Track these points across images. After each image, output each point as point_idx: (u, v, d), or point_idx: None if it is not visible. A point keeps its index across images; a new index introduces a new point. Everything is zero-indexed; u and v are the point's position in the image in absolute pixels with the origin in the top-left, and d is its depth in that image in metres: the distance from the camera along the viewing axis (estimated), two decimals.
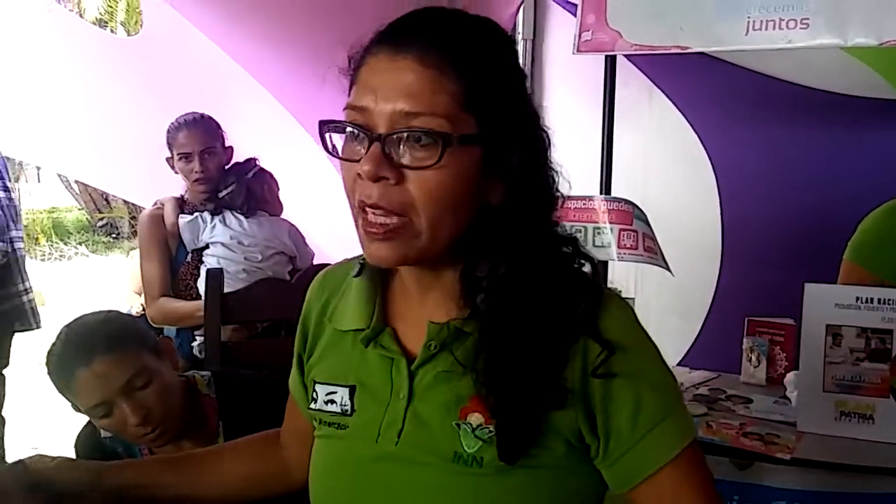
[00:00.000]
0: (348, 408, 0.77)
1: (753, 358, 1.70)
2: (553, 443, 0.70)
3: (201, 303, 1.85)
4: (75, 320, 1.22)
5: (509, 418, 0.69)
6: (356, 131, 0.68)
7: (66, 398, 1.17)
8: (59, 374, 1.15)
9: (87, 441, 1.28)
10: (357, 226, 0.70)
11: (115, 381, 1.13)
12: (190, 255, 2.05)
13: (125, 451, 1.28)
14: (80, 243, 7.48)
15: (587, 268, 0.75)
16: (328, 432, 0.79)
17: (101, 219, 7.69)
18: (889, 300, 1.39)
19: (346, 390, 0.78)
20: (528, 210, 0.71)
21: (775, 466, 1.35)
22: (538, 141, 0.72)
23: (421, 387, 0.74)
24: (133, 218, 6.21)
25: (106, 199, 7.45)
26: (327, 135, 0.71)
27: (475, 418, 0.71)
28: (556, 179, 0.73)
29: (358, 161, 0.66)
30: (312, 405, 0.81)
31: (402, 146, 0.66)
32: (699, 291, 2.26)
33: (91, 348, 1.13)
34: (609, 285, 0.80)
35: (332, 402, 0.78)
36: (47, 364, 1.17)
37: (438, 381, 0.73)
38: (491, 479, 0.70)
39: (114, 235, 7.62)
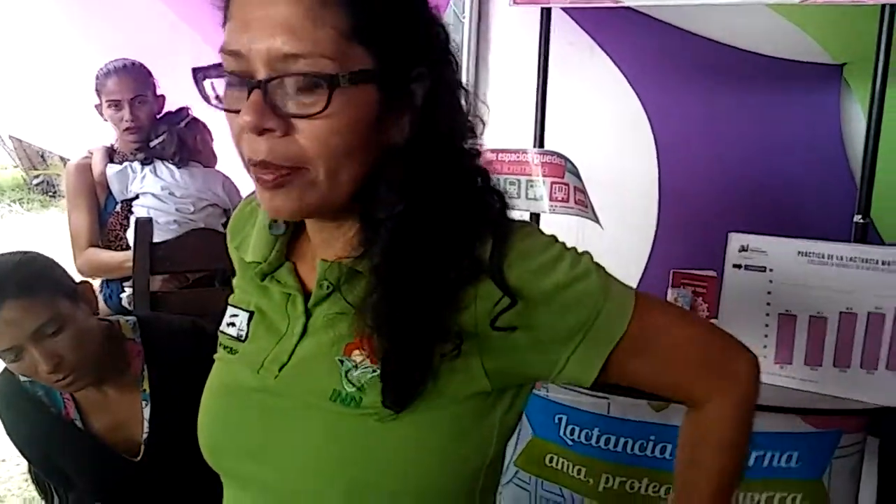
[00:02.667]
0: (244, 334, 0.76)
1: None
2: (445, 390, 0.66)
3: (130, 253, 1.82)
4: None
5: (394, 361, 0.65)
6: (233, 79, 0.61)
7: None
8: None
9: (7, 385, 1.26)
10: (250, 175, 0.64)
11: (25, 327, 1.11)
12: (119, 205, 2.00)
13: (46, 395, 1.26)
14: (13, 201, 7.23)
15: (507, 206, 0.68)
16: (222, 355, 0.78)
17: (37, 176, 7.43)
18: (808, 252, 1.44)
19: (246, 316, 0.76)
20: (436, 146, 0.65)
21: None
22: (444, 66, 0.66)
23: (315, 326, 0.71)
24: None
25: (42, 157, 7.18)
26: (206, 82, 0.63)
27: (358, 356, 0.67)
28: (469, 106, 0.68)
29: (239, 112, 0.60)
30: (221, 326, 0.79)
31: (284, 93, 0.59)
32: (636, 248, 2.31)
33: (1, 292, 1.11)
34: None
35: (233, 325, 0.77)
36: None
37: (332, 321, 0.69)
38: (370, 422, 0.66)
39: (50, 193, 7.38)
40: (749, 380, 0.77)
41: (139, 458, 1.28)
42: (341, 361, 0.68)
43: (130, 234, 1.91)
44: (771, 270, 1.47)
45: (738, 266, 1.50)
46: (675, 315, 0.77)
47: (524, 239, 0.68)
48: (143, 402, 1.27)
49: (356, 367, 0.67)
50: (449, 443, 0.68)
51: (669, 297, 1.78)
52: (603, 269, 0.71)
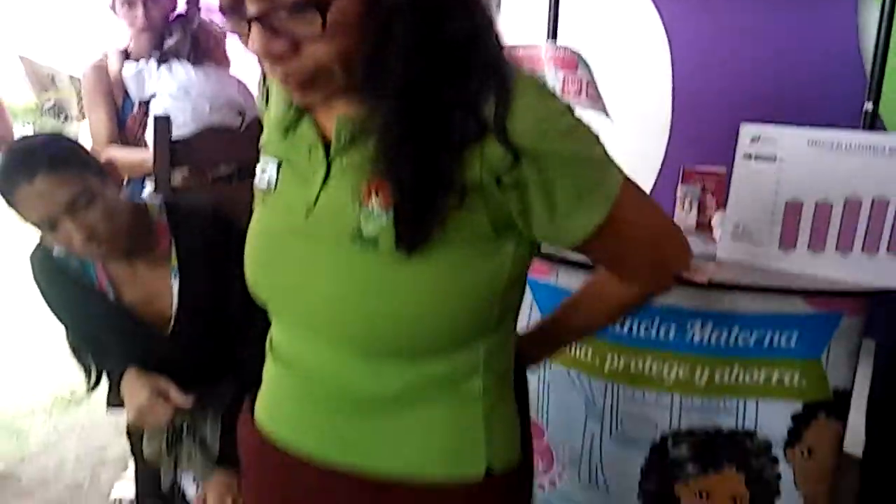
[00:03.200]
0: (274, 182, 0.81)
1: (686, 204, 1.79)
2: (452, 234, 0.71)
3: (150, 150, 1.86)
4: (20, 139, 1.24)
5: (405, 209, 0.70)
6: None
7: (15, 212, 1.20)
8: (4, 189, 1.18)
9: (42, 257, 1.32)
10: None
11: (58, 199, 1.16)
12: (136, 106, 2.03)
13: (79, 268, 1.32)
14: (26, 123, 7.27)
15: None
16: (258, 201, 0.83)
17: (48, 100, 7.42)
18: (817, 141, 1.47)
19: (275, 165, 0.81)
20: (436, 11, 0.67)
21: (693, 290, 1.46)
22: None
23: (335, 174, 0.75)
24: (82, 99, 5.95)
25: (52, 79, 7.16)
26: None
27: (376, 202, 0.72)
28: None
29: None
30: (255, 180, 0.84)
31: (280, 20, 0.64)
32: (651, 147, 2.32)
33: (33, 166, 1.15)
34: None
35: (264, 171, 0.82)
36: None
37: (351, 169, 0.74)
38: (387, 263, 0.71)
39: (62, 117, 7.39)
40: (668, 284, 0.88)
41: (169, 330, 1.35)
42: (359, 207, 0.72)
43: (149, 135, 1.95)
44: (780, 160, 1.49)
45: (748, 156, 1.53)
46: (648, 207, 0.80)
47: (531, 99, 0.70)
48: (172, 277, 1.33)
49: (372, 212, 0.72)
50: (459, 277, 0.73)
51: (679, 194, 1.82)
52: (604, 147, 0.75)
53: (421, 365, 0.77)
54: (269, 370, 0.89)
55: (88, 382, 1.52)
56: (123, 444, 2.58)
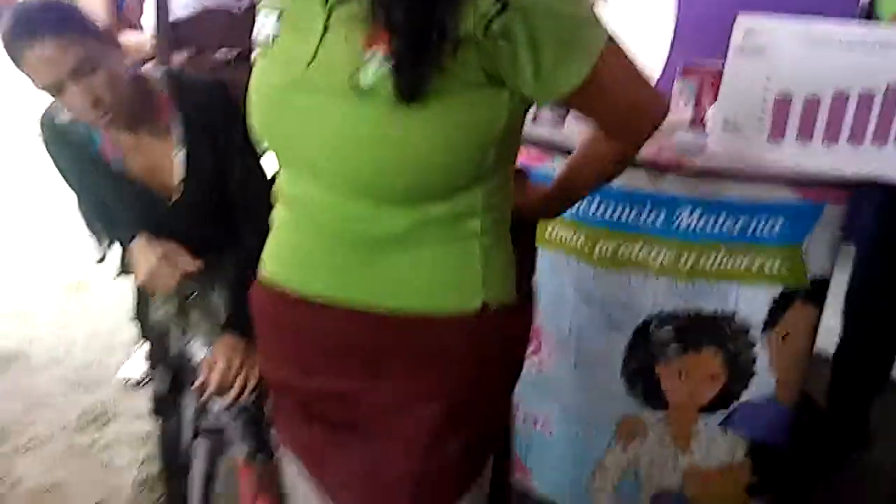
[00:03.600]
0: (274, 34, 0.83)
1: (682, 101, 1.82)
2: (449, 84, 0.75)
3: (148, 33, 1.86)
4: (20, 4, 1.25)
5: (403, 54, 0.72)
6: None
7: (25, 75, 1.22)
8: (10, 53, 1.20)
9: (49, 124, 1.36)
10: None
11: (63, 64, 1.18)
12: None
13: (85, 134, 1.36)
14: None
15: None
16: (259, 54, 0.86)
17: None
18: (810, 34, 1.48)
19: (275, 16, 0.83)
20: None
21: (684, 178, 1.50)
22: None
23: (335, 24, 0.77)
24: None
25: None
26: None
27: (376, 50, 0.74)
28: None
29: None
30: (253, 35, 0.87)
31: None
32: (655, 43, 2.30)
33: (34, 30, 1.17)
34: None
35: (264, 25, 0.84)
36: (1, 42, 1.21)
37: (352, 19, 0.76)
38: (386, 113, 0.75)
39: None
40: (648, 136, 0.93)
41: (174, 200, 1.40)
42: (358, 57, 0.75)
43: (146, 19, 1.94)
44: (772, 53, 1.51)
45: (741, 49, 1.54)
46: (629, 65, 0.84)
47: None
48: (177, 148, 1.37)
49: (371, 62, 0.75)
50: (456, 126, 0.77)
51: (675, 89, 1.84)
52: (590, 5, 0.78)
53: (422, 208, 0.82)
54: (278, 217, 0.94)
55: (100, 251, 1.58)
56: (131, 329, 2.69)
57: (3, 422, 2.22)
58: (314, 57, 0.79)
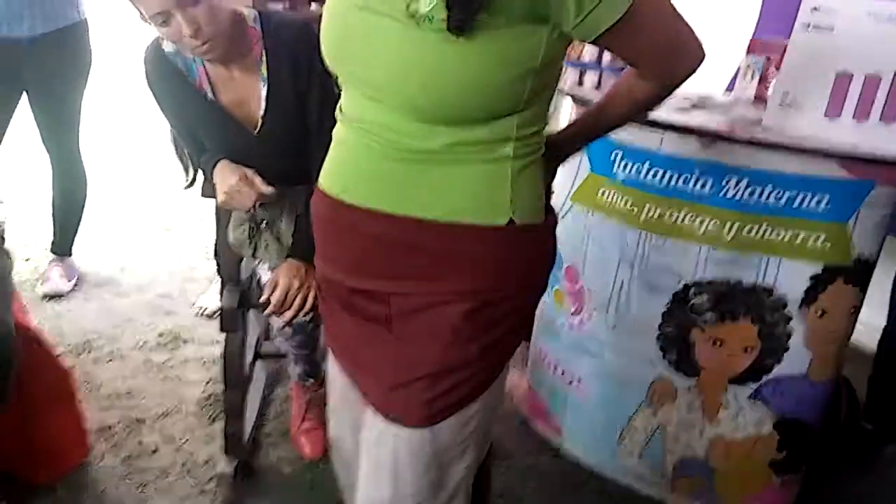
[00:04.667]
0: None
1: (748, 75, 1.84)
2: (495, 19, 0.83)
3: None
4: None
5: None
6: None
7: (133, 5, 1.39)
8: None
9: (154, 54, 1.52)
10: None
11: None
12: None
13: (184, 66, 1.52)
14: None
15: None
16: None
17: None
18: (876, 12, 1.49)
19: None
20: None
21: (734, 146, 1.55)
22: None
23: None
24: None
25: None
26: None
27: None
28: None
29: None
30: None
31: None
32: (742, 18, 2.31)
33: None
34: None
35: None
36: None
37: None
38: (437, 40, 0.85)
39: None
40: (681, 79, 0.97)
41: (257, 130, 1.55)
42: None
43: None
44: (837, 30, 1.53)
45: (806, 25, 1.57)
46: (665, 6, 0.91)
47: None
48: (262, 84, 1.52)
49: None
50: (499, 55, 0.87)
51: (743, 64, 1.87)
52: None
53: (463, 130, 0.92)
54: (337, 133, 1.06)
55: (186, 177, 1.75)
56: (208, 267, 2.92)
57: (90, 335, 2.46)
58: None
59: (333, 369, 1.21)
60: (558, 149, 1.09)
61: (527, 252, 1.00)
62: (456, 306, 0.98)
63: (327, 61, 1.02)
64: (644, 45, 0.92)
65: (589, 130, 1.12)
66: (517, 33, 0.87)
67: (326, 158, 1.09)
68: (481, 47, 0.86)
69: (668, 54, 0.94)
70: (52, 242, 2.77)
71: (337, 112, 1.07)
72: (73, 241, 2.80)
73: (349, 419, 1.19)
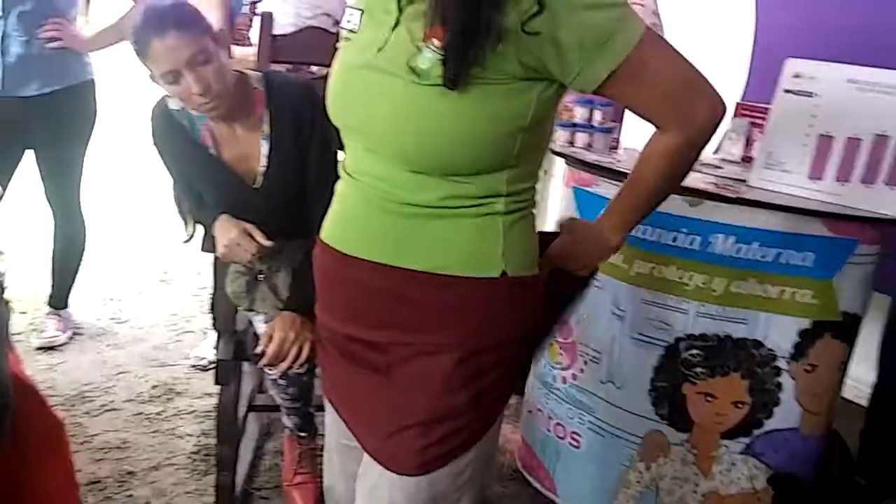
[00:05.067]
0: (356, 26, 1.00)
1: (734, 137, 1.91)
2: (489, 75, 0.88)
3: (254, 48, 2.10)
4: (153, 1, 1.48)
5: (453, 45, 0.87)
6: None
7: (145, 65, 1.45)
8: (138, 43, 1.42)
9: (161, 112, 1.58)
10: None
11: (183, 53, 1.40)
12: (246, 6, 2.28)
13: (189, 124, 1.58)
14: None
15: None
16: (343, 45, 1.04)
17: None
18: (856, 79, 1.56)
19: (359, 13, 1.01)
20: None
21: (721, 205, 1.59)
22: None
23: (403, 20, 0.94)
24: None
25: None
26: None
27: (433, 41, 0.89)
28: None
29: None
30: (341, 24, 1.04)
31: None
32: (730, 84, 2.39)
33: (164, 24, 1.39)
34: None
35: (349, 19, 1.02)
36: (132, 36, 1.44)
37: (415, 16, 0.92)
38: (434, 94, 0.90)
39: None
40: (702, 125, 0.96)
41: (258, 185, 1.59)
42: (418, 47, 0.91)
43: (254, 34, 2.19)
44: (818, 96, 1.60)
45: (789, 91, 1.64)
46: (669, 55, 0.95)
47: None
48: (263, 141, 1.57)
49: (428, 49, 0.91)
50: (490, 109, 0.92)
51: (729, 127, 1.94)
52: (626, 2, 0.91)
53: (454, 184, 0.96)
54: (338, 188, 1.10)
55: (186, 231, 1.79)
56: (204, 319, 2.93)
57: (84, 386, 2.45)
58: (385, 43, 0.95)
59: (330, 418, 1.22)
60: (603, 239, 1.09)
61: (519, 303, 1.03)
62: (447, 356, 1.00)
63: (331, 116, 1.06)
64: (651, 91, 0.94)
65: (632, 204, 1.07)
66: (510, 90, 0.92)
67: (329, 211, 1.13)
68: (474, 102, 0.91)
69: (679, 98, 0.95)
70: (50, 295, 2.78)
71: (340, 169, 1.11)
72: (69, 293, 2.81)
73: (344, 467, 1.20)
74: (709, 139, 0.99)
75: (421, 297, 1.00)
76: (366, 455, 1.09)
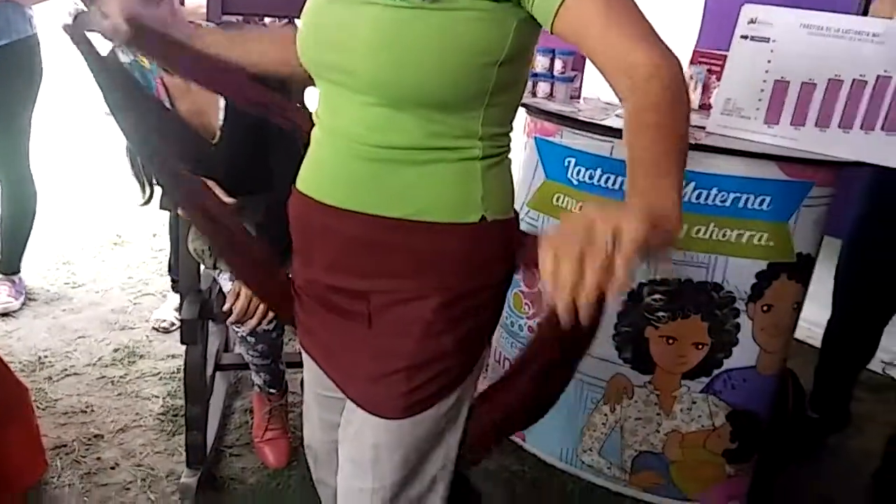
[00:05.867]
0: None
1: (692, 85, 1.93)
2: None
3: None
4: None
5: None
6: None
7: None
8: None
9: (112, 64, 1.51)
10: None
11: None
12: None
13: (141, 77, 1.53)
14: None
15: None
16: None
17: None
18: (810, 24, 1.59)
19: None
20: None
21: None
22: None
23: None
24: None
25: None
26: None
27: None
28: None
29: None
30: None
31: None
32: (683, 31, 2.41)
33: None
34: None
35: None
36: None
37: None
38: (409, 17, 0.88)
39: None
40: (646, 85, 0.84)
41: (215, 140, 1.56)
42: None
43: None
44: (774, 41, 1.62)
45: (745, 37, 1.66)
46: (619, 9, 0.88)
47: None
48: (219, 95, 1.53)
49: None
50: (467, 31, 0.90)
51: (686, 73, 1.95)
52: None
53: (430, 122, 0.94)
54: (312, 136, 1.08)
55: (143, 195, 1.74)
56: (162, 282, 2.88)
57: (42, 352, 2.40)
58: None
59: (308, 370, 1.22)
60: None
61: (498, 246, 1.04)
62: (430, 301, 1.00)
63: (304, 58, 1.03)
64: (590, 38, 0.88)
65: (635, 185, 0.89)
66: (484, 14, 0.90)
67: (305, 160, 1.11)
68: (453, 25, 0.89)
69: (620, 55, 0.87)
70: (0, 261, 2.70)
71: (314, 116, 1.08)
72: (21, 258, 2.73)
73: (323, 418, 1.21)
74: (668, 99, 0.85)
75: (402, 243, 1.00)
76: (349, 402, 1.09)
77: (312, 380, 1.20)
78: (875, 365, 2.40)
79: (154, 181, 1.68)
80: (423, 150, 0.96)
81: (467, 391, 1.10)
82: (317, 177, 1.06)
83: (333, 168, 1.03)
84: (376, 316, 1.04)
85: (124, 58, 1.51)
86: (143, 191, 1.74)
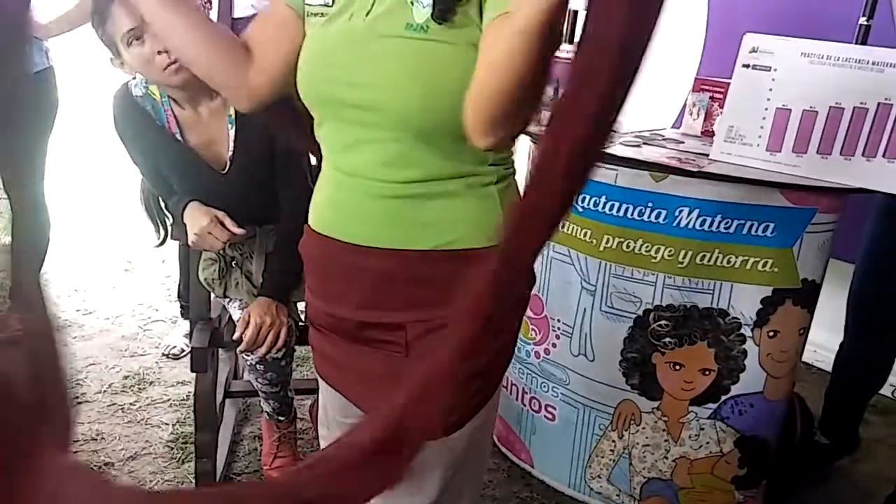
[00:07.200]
0: (329, 1, 0.99)
1: (694, 112, 1.95)
2: (471, 18, 0.91)
3: None
4: None
5: None
6: None
7: (105, 39, 1.41)
8: (98, 9, 1.39)
9: (122, 98, 1.56)
10: None
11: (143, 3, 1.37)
12: None
13: (152, 109, 1.56)
14: None
15: None
16: (313, 24, 1.01)
17: None
18: (810, 53, 1.61)
19: None
20: None
21: (685, 179, 1.64)
22: None
23: None
24: None
25: None
26: None
27: None
28: None
29: None
30: (307, 2, 1.01)
31: None
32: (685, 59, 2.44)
33: None
34: None
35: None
36: (92, 5, 1.41)
37: None
38: (432, 45, 0.91)
39: None
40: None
41: (225, 170, 1.59)
42: (410, 2, 0.92)
43: (213, 16, 2.16)
44: (775, 70, 1.64)
45: (746, 66, 1.68)
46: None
47: None
48: (229, 125, 1.56)
49: (419, 3, 0.91)
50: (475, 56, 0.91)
51: (688, 101, 1.98)
52: None
53: (445, 152, 0.96)
54: (325, 176, 1.07)
55: (158, 236, 1.77)
56: (172, 308, 2.91)
57: None
58: (371, 7, 0.95)
59: (331, 399, 1.21)
60: None
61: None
62: (455, 329, 1.02)
63: (310, 97, 1.02)
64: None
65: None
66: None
67: (314, 197, 1.10)
68: (468, 51, 0.90)
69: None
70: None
71: (325, 158, 1.09)
72: None
73: None
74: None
75: (435, 274, 1.00)
76: None
77: (334, 408, 1.21)
78: (884, 388, 2.39)
79: (167, 206, 1.71)
80: (439, 180, 0.98)
81: (494, 406, 1.13)
82: (336, 217, 1.05)
83: (353, 208, 1.02)
84: (413, 344, 1.04)
85: (136, 91, 1.54)
86: (158, 232, 1.77)
